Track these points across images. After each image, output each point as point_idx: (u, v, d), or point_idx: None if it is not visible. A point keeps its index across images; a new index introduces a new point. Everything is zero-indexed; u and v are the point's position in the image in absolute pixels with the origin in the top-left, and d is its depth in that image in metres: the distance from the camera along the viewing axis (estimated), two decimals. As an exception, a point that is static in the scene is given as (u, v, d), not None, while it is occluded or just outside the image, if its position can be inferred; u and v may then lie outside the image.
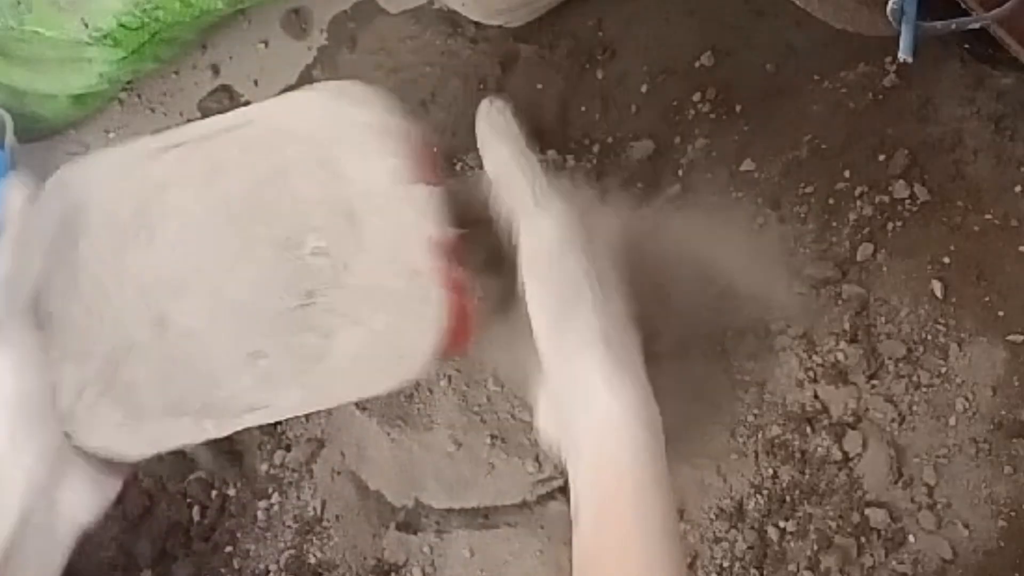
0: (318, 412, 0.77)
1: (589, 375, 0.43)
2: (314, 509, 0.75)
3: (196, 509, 0.76)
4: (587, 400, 0.43)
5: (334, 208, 0.49)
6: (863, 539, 0.67)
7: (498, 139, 0.49)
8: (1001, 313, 0.70)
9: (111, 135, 0.85)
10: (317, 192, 0.49)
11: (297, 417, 0.77)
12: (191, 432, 0.50)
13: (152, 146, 0.52)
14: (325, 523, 0.75)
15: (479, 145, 0.50)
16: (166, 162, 0.51)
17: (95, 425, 0.49)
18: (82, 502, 0.49)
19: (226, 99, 0.84)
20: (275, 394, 0.49)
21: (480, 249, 0.51)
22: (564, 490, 0.70)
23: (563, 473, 0.45)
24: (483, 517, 0.73)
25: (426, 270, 0.47)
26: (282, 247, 0.49)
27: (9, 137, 0.79)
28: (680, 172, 0.78)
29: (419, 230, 0.48)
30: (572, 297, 0.44)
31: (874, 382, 0.70)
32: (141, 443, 0.50)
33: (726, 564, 0.68)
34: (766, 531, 0.68)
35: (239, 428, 0.50)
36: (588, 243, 0.46)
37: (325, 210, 0.49)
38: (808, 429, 0.70)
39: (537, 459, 0.72)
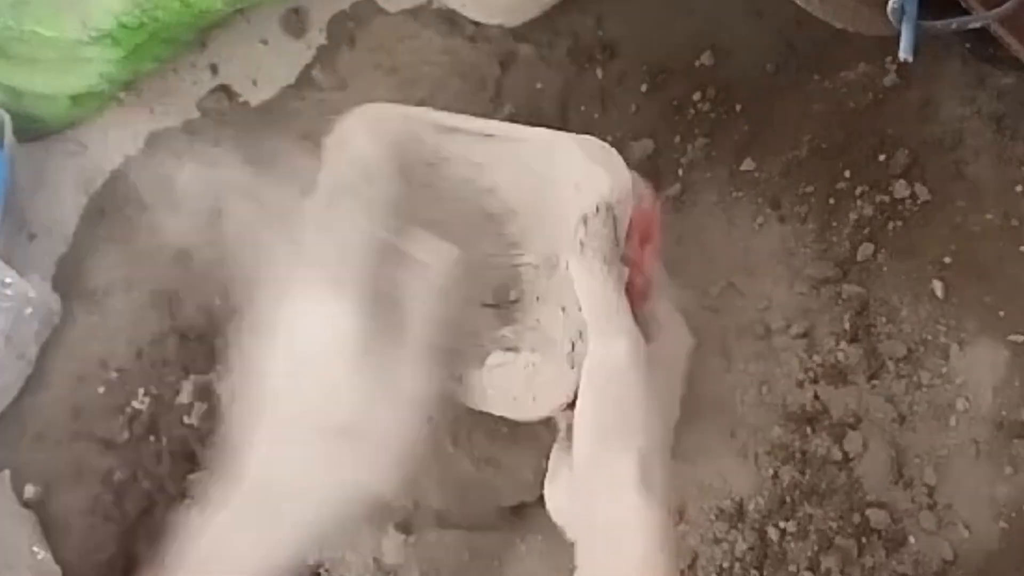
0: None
1: (623, 478, 0.47)
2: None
3: (196, 509, 0.76)
4: (615, 497, 0.47)
5: (556, 248, 0.54)
6: (863, 540, 0.67)
7: (594, 253, 0.50)
8: (1002, 313, 0.69)
9: (111, 135, 0.85)
10: (551, 225, 0.54)
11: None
12: None
13: (437, 122, 0.57)
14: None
15: (573, 250, 0.51)
16: (450, 141, 0.57)
17: None
18: None
19: (225, 99, 0.84)
20: (447, 372, 0.53)
21: None
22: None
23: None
24: (483, 517, 0.73)
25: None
26: (496, 253, 0.55)
27: (8, 137, 0.79)
28: (680, 172, 0.78)
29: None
30: (624, 415, 0.48)
31: (874, 382, 0.70)
32: None
33: (726, 565, 0.68)
34: (766, 532, 0.68)
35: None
36: (652, 372, 0.49)
37: (549, 245, 0.54)
38: (808, 429, 0.70)
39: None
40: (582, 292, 0.49)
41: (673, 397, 0.51)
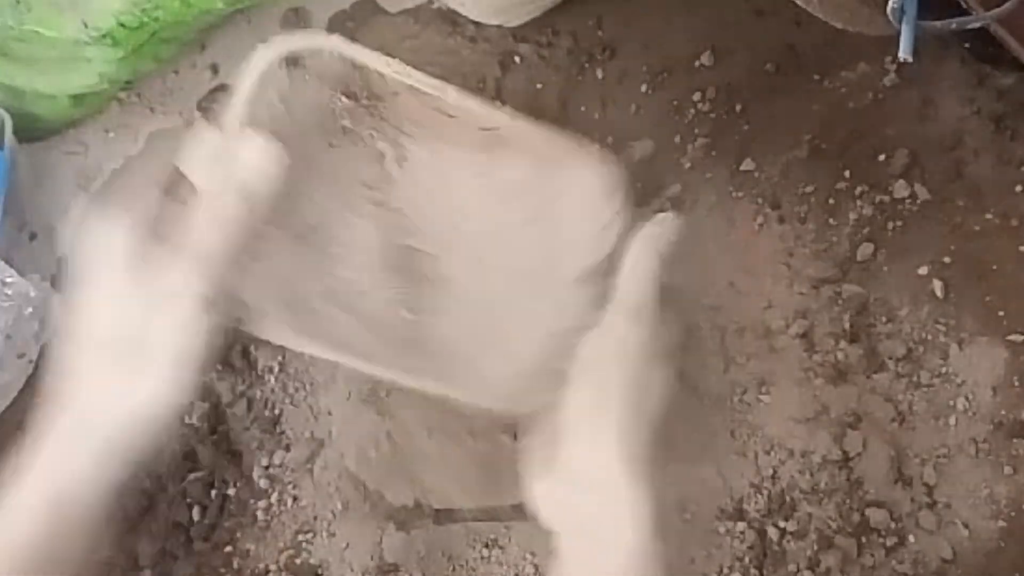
0: (318, 411, 0.77)
1: (614, 465, 0.48)
2: (314, 509, 0.75)
3: (196, 509, 0.76)
4: (605, 486, 0.48)
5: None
6: (863, 539, 0.67)
7: (650, 252, 0.53)
8: (1001, 313, 0.69)
9: (111, 135, 0.85)
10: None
11: (297, 417, 0.77)
12: None
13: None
14: (325, 523, 0.75)
15: (634, 244, 0.53)
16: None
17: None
18: None
19: (225, 99, 0.84)
20: None
21: None
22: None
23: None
24: (483, 517, 0.73)
25: None
26: None
27: (9, 137, 0.79)
28: (680, 172, 0.78)
29: None
30: (621, 401, 0.49)
31: (874, 382, 0.70)
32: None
33: (726, 564, 0.68)
34: (766, 531, 0.68)
35: None
36: (650, 368, 0.51)
37: None
38: (808, 429, 0.70)
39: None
40: (633, 273, 0.51)
41: (661, 395, 0.52)
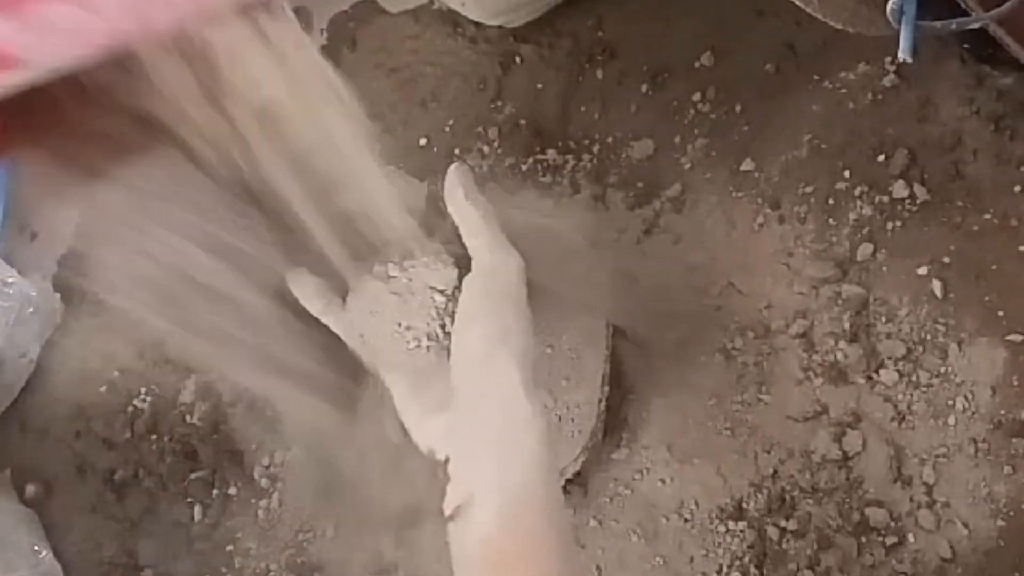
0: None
1: (511, 380, 0.50)
2: (315, 508, 0.76)
3: (197, 508, 0.76)
4: (504, 400, 0.50)
5: None
6: (863, 538, 0.67)
7: (466, 192, 0.56)
8: (1001, 313, 0.69)
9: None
10: None
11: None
12: None
13: None
14: (325, 523, 0.75)
15: (447, 197, 0.56)
16: None
17: None
18: None
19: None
20: None
21: None
22: (565, 488, 0.70)
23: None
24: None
25: None
26: None
27: (10, 137, 0.79)
28: (680, 172, 0.78)
29: None
30: (510, 325, 0.52)
31: (873, 381, 0.70)
32: None
33: (726, 564, 0.68)
34: (766, 530, 0.68)
35: None
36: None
37: None
38: (808, 429, 0.70)
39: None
40: (474, 218, 0.54)
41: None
